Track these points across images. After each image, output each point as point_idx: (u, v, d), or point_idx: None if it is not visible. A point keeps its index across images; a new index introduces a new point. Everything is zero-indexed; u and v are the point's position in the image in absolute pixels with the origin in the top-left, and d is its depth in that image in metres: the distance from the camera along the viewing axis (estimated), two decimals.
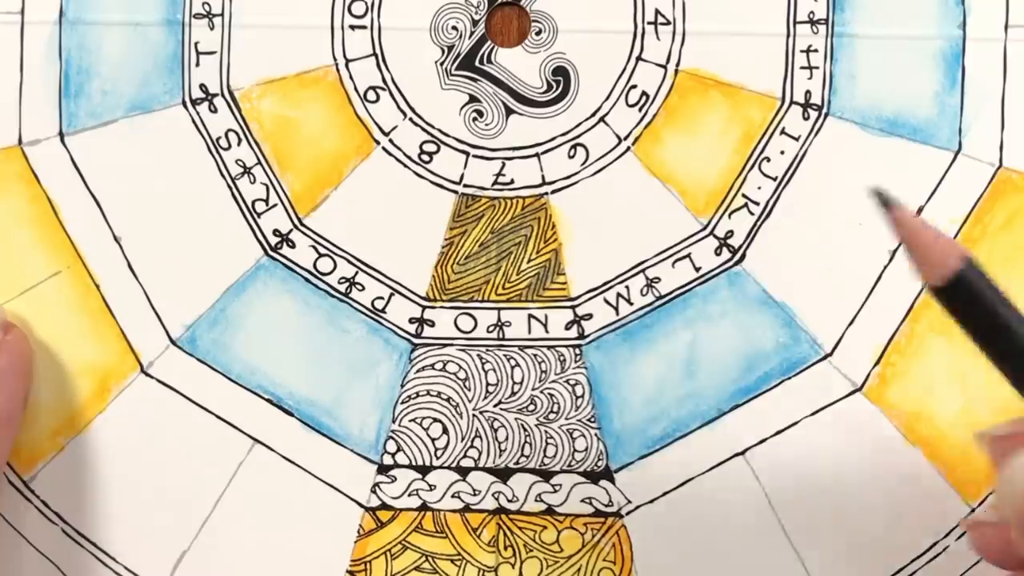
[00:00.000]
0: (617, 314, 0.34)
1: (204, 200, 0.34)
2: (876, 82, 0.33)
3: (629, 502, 0.33)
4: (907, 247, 0.25)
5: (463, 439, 0.34)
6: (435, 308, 0.34)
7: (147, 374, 0.34)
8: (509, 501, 0.33)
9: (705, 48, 0.34)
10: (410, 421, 0.34)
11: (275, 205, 0.34)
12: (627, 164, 0.34)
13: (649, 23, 0.34)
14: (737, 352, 0.33)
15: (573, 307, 0.34)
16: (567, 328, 0.34)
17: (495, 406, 0.34)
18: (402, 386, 0.34)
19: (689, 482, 0.33)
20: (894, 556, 0.33)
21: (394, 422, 0.34)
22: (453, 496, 0.34)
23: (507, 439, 0.34)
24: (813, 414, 0.33)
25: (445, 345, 0.34)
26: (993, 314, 0.24)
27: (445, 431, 0.34)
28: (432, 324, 0.34)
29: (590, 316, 0.34)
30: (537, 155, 0.34)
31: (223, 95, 0.34)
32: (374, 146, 0.34)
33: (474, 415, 0.34)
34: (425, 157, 0.34)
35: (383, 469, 0.34)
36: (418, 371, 0.34)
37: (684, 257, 0.33)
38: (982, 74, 0.33)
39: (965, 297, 0.24)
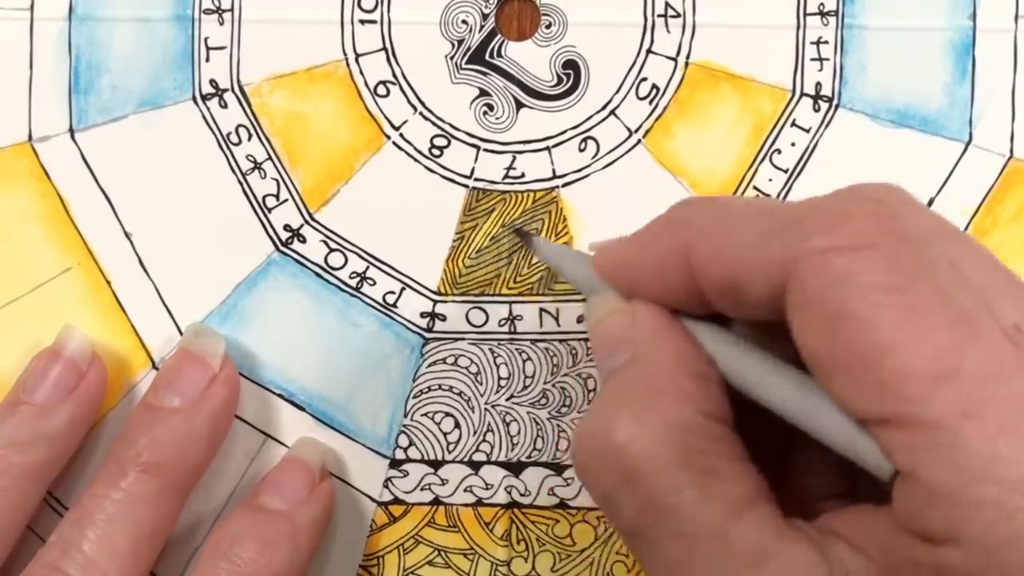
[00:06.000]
0: None
1: (215, 195, 0.34)
2: (886, 73, 0.33)
3: None
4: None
5: (475, 433, 0.34)
6: (446, 302, 0.34)
7: (158, 370, 0.33)
8: (522, 495, 0.33)
9: (715, 40, 0.34)
10: (422, 415, 0.34)
11: (286, 200, 0.34)
12: (638, 157, 0.34)
13: (659, 16, 0.34)
14: None
15: (584, 300, 0.34)
16: (579, 321, 0.34)
17: (507, 400, 0.34)
18: (414, 380, 0.34)
19: None
20: None
21: (406, 416, 0.34)
22: (465, 490, 0.34)
23: (519, 433, 0.33)
24: None
25: (457, 339, 0.34)
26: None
27: (457, 425, 0.34)
28: (443, 318, 0.34)
29: None
30: (548, 148, 0.34)
31: (233, 90, 0.34)
32: (384, 141, 0.34)
33: (486, 409, 0.34)
34: (436, 151, 0.34)
35: (395, 464, 0.34)
36: (430, 365, 0.34)
37: None
38: (992, 65, 0.33)
39: None
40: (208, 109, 0.34)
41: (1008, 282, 0.22)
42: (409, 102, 0.34)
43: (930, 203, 0.33)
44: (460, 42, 0.34)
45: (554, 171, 0.34)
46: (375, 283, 0.34)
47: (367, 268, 0.34)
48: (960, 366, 0.20)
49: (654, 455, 0.23)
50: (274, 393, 0.33)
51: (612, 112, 0.34)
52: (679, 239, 0.25)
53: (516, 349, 0.34)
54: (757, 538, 0.22)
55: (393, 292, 0.34)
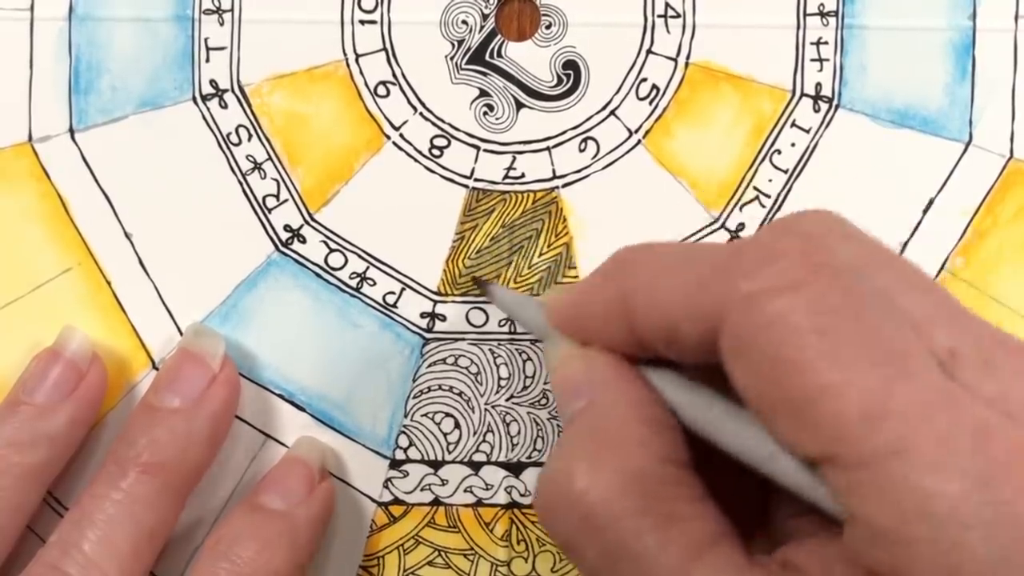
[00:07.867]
0: None
1: (215, 196, 0.34)
2: (886, 74, 0.33)
3: None
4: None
5: (475, 433, 0.34)
6: (446, 302, 0.34)
7: (158, 370, 0.33)
8: (522, 495, 0.33)
9: (715, 41, 0.34)
10: (422, 416, 0.34)
11: (286, 200, 0.34)
12: (638, 157, 0.34)
13: (659, 16, 0.34)
14: None
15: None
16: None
17: (507, 400, 0.34)
18: (414, 381, 0.34)
19: None
20: None
21: (406, 417, 0.34)
22: (465, 491, 0.34)
23: (519, 433, 0.34)
24: None
25: (457, 339, 0.34)
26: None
27: (457, 425, 0.34)
28: (443, 318, 0.34)
29: None
30: (548, 149, 0.34)
31: (233, 91, 0.34)
32: (384, 141, 0.34)
33: (486, 409, 0.34)
34: (436, 152, 0.34)
35: (395, 464, 0.34)
36: (430, 366, 0.34)
37: None
38: (992, 65, 0.33)
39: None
40: (208, 109, 0.34)
41: (942, 306, 0.22)
42: (409, 102, 0.34)
43: (930, 203, 0.33)
44: (460, 42, 0.34)
45: (554, 171, 0.34)
46: (375, 283, 0.34)
47: (367, 268, 0.34)
48: (889, 404, 0.20)
49: (612, 502, 0.23)
50: (274, 393, 0.33)
51: (612, 112, 0.34)
52: (618, 288, 0.25)
53: (516, 349, 0.34)
54: None
55: (393, 292, 0.34)
